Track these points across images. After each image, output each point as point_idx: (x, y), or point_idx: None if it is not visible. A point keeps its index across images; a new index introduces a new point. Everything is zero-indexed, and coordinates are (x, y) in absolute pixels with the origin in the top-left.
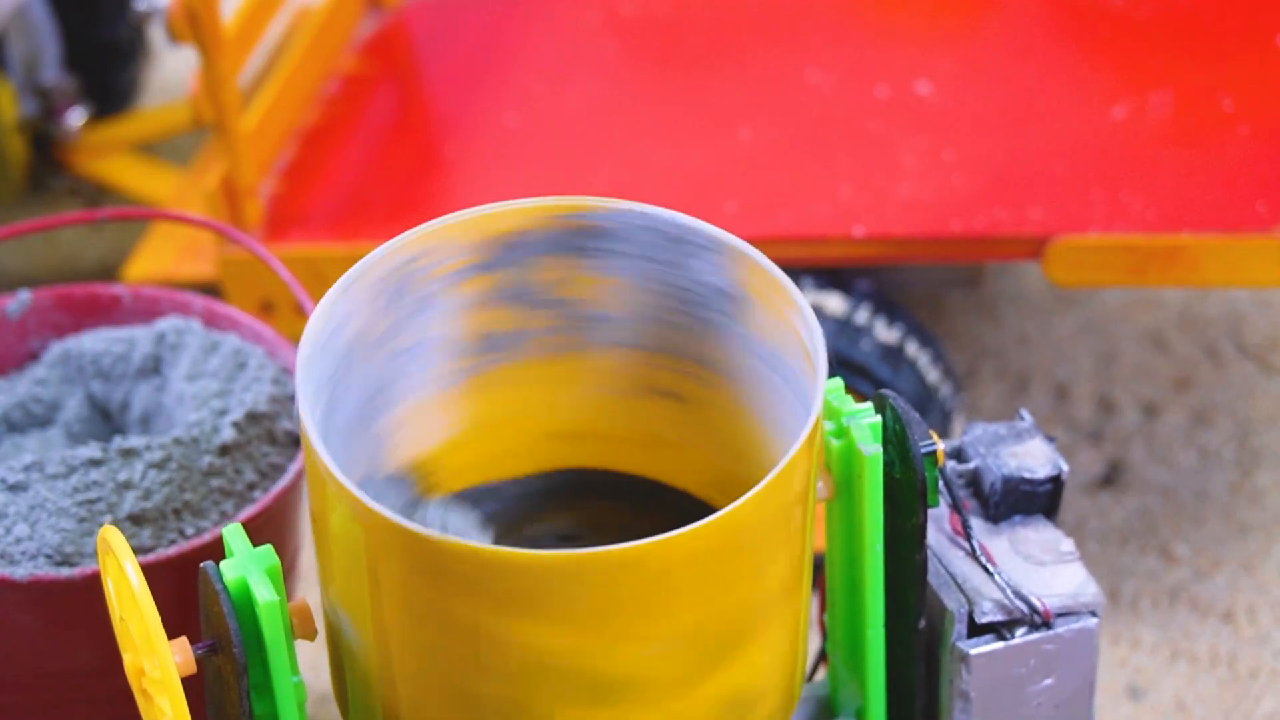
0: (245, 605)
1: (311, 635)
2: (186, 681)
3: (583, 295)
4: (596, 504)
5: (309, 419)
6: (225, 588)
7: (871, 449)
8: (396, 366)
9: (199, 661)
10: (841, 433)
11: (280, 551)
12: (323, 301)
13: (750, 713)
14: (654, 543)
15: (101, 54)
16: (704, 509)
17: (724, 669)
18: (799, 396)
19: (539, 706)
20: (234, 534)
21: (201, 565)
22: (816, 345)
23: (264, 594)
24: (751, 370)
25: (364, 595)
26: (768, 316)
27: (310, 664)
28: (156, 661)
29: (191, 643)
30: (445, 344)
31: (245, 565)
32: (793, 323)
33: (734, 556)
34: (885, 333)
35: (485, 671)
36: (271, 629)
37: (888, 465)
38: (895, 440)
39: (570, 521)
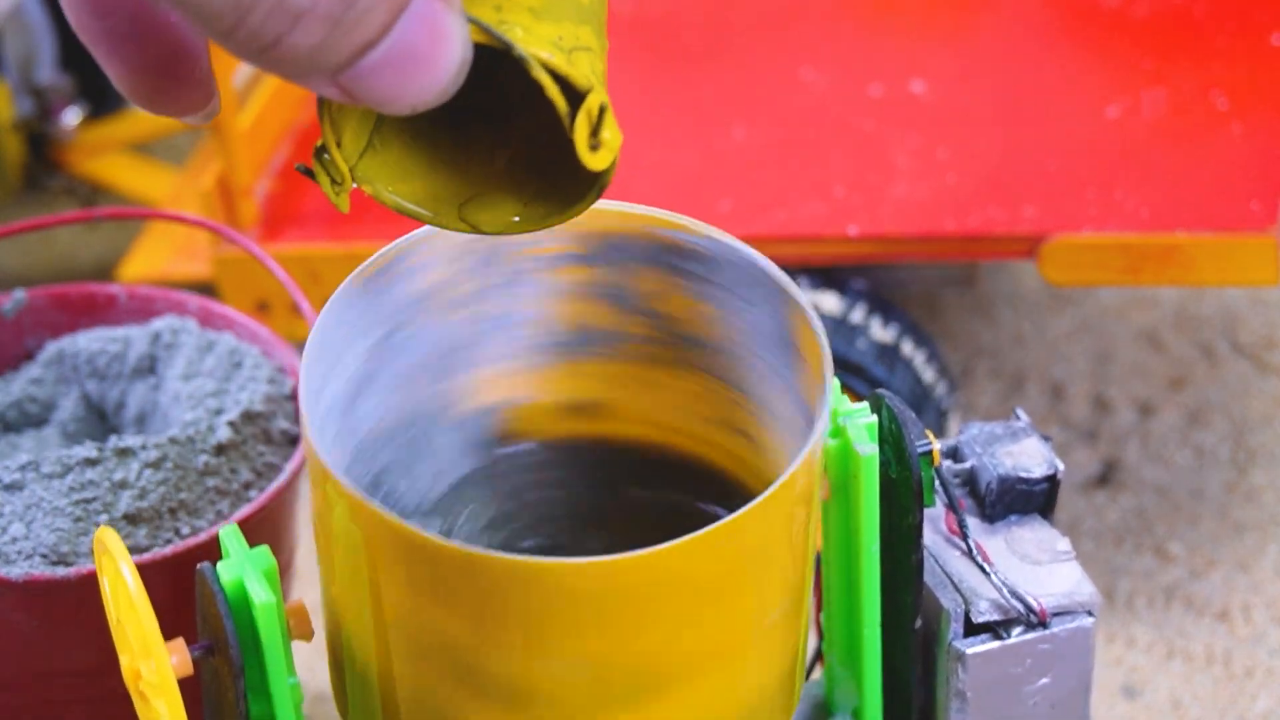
0: (242, 606)
1: (308, 636)
2: (183, 683)
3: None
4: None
5: (311, 412)
6: (222, 589)
7: (868, 449)
8: (479, 330)
9: (196, 663)
10: (837, 432)
11: (276, 551)
12: (389, 250)
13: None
14: (653, 552)
15: None
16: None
17: (726, 670)
18: None
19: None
20: (230, 535)
21: (198, 566)
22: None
23: (261, 595)
24: None
25: (364, 594)
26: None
27: (306, 665)
28: (153, 664)
29: (188, 644)
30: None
31: (242, 566)
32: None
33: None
34: (880, 332)
35: (474, 672)
36: (268, 630)
37: (884, 465)
38: (891, 440)
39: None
